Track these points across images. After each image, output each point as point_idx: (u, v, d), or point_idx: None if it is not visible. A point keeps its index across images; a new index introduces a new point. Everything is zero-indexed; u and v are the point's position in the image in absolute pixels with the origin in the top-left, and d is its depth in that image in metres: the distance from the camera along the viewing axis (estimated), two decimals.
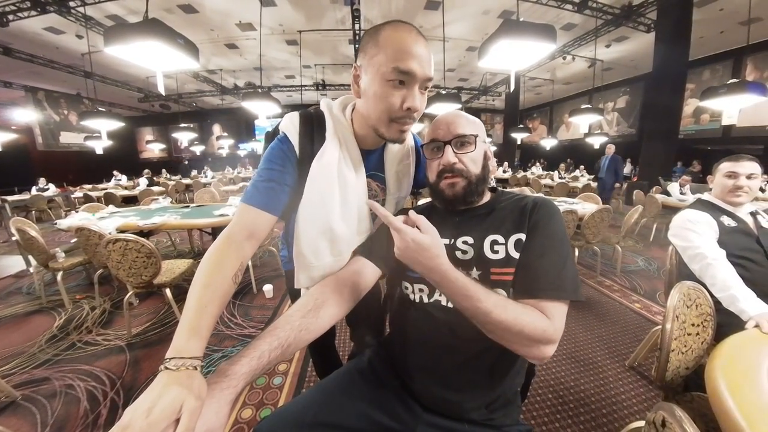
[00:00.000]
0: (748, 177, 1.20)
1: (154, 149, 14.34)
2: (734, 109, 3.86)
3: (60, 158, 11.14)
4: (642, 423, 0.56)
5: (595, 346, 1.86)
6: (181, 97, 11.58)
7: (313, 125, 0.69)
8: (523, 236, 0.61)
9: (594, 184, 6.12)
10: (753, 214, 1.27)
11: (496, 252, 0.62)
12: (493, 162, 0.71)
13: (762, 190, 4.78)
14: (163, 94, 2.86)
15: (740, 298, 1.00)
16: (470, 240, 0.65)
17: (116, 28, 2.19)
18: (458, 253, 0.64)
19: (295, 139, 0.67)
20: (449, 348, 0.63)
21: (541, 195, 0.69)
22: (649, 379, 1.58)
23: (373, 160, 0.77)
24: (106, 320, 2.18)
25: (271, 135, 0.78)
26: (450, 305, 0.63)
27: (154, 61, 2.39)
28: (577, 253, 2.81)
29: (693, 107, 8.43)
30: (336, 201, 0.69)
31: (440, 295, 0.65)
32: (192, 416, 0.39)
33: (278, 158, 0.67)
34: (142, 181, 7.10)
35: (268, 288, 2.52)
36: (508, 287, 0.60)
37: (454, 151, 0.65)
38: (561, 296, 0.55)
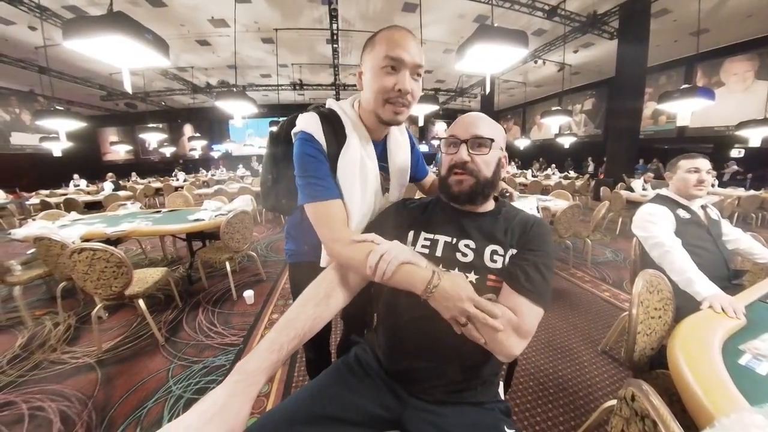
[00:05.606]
0: (708, 172, 1.34)
1: (119, 151, 13.36)
2: (687, 111, 4.20)
3: (11, 161, 10.21)
4: (615, 401, 0.60)
5: (570, 333, 1.97)
6: (149, 95, 10.96)
7: (333, 123, 0.74)
8: (517, 251, 0.67)
9: (566, 182, 6.33)
10: (703, 207, 1.42)
11: (495, 261, 0.66)
12: (506, 170, 0.75)
13: (711, 185, 5.24)
14: (130, 92, 2.70)
15: (695, 280, 1.10)
16: (472, 244, 0.68)
17: (77, 20, 2.04)
18: (459, 255, 0.68)
19: (320, 137, 0.71)
20: (428, 335, 0.66)
21: (539, 216, 0.76)
22: (619, 361, 1.69)
23: (378, 151, 0.82)
24: (72, 337, 2.02)
25: (278, 136, 0.82)
26: None
27: (119, 58, 2.25)
28: None
29: (651, 109, 9.08)
30: (357, 192, 0.73)
31: None
32: None
33: (318, 157, 0.71)
34: (107, 186, 6.61)
35: (249, 294, 2.45)
36: None
37: (468, 151, 0.68)
38: (539, 302, 0.60)
